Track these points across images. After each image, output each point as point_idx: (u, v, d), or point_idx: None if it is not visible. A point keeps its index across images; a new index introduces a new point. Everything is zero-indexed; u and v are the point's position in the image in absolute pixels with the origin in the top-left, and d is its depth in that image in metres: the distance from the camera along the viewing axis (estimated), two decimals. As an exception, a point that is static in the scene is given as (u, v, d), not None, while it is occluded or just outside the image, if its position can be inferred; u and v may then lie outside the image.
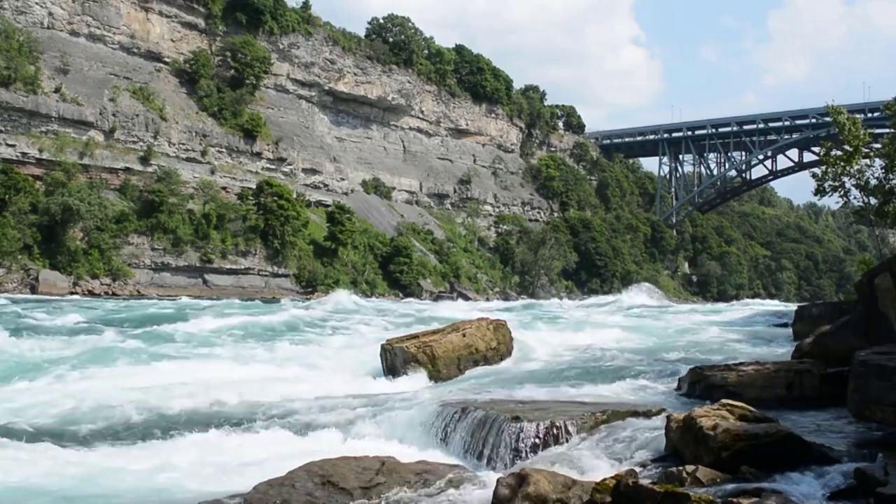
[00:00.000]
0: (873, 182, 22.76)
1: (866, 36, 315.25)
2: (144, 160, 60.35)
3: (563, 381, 13.41)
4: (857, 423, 8.24)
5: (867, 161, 23.32)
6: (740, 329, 26.90)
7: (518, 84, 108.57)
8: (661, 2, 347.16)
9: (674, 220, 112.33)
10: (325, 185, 78.08)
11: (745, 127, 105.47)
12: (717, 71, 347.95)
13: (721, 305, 58.81)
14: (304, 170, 75.65)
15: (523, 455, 8.37)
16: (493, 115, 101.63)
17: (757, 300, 78.90)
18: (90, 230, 52.57)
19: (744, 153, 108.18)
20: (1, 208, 49.21)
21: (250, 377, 14.61)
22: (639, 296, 59.63)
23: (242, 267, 62.32)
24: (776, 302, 74.44)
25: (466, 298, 69.13)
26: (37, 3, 59.27)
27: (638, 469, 6.93)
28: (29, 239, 49.56)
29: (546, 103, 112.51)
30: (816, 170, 25.87)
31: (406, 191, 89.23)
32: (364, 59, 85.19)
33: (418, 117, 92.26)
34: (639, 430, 8.55)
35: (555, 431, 8.56)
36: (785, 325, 24.75)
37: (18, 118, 53.37)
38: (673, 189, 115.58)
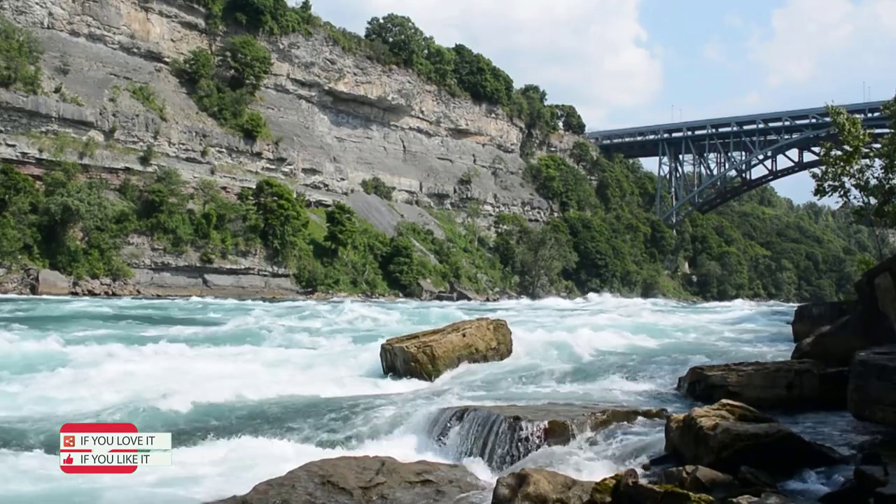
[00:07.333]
0: (873, 182, 22.68)
1: (874, 35, 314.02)
2: (144, 160, 60.32)
3: (564, 380, 13.40)
4: (857, 423, 8.23)
5: (867, 161, 23.24)
6: (740, 328, 26.93)
7: (518, 84, 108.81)
8: (667, 1, 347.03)
9: (674, 220, 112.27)
10: (325, 185, 78.03)
11: (745, 127, 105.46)
12: (722, 70, 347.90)
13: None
14: (304, 170, 75.60)
15: (523, 455, 8.37)
16: (493, 115, 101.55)
17: (724, 302, 78.64)
18: (90, 230, 52.54)
19: (744, 153, 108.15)
20: (1, 208, 49.18)
21: (249, 377, 14.56)
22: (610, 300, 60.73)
23: (242, 267, 62.28)
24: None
25: (467, 298, 69.10)
26: (37, 3, 59.24)
27: (638, 469, 6.93)
28: (29, 239, 49.55)
29: (546, 103, 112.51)
30: (816, 170, 25.80)
31: (406, 191, 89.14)
32: (364, 59, 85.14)
33: (418, 117, 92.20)
34: (639, 431, 8.55)
35: (555, 431, 8.56)
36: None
37: (18, 118, 53.34)
38: (673, 189, 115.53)
